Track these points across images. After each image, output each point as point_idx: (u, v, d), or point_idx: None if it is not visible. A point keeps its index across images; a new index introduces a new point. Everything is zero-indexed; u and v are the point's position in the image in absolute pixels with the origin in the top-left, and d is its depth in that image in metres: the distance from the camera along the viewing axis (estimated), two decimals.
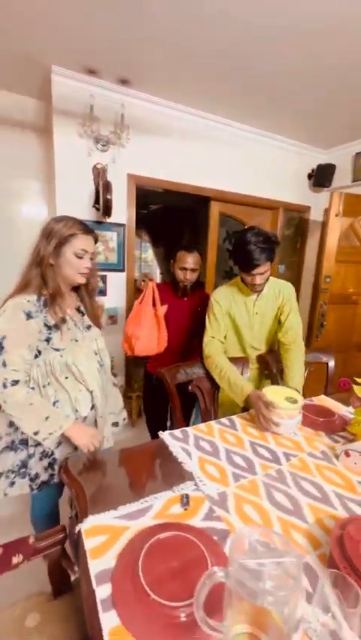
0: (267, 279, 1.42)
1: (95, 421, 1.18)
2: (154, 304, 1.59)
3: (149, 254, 7.72)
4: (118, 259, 2.40)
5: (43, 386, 1.06)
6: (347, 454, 0.99)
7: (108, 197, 1.99)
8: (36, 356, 1.04)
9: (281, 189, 3.03)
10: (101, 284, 2.38)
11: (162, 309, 1.62)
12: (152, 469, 1.00)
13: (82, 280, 1.13)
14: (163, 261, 7.36)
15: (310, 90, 2.10)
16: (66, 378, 1.09)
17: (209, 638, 0.51)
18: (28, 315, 1.01)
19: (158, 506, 0.79)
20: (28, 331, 1.01)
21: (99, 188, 2.04)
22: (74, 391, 1.11)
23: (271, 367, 1.54)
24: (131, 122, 2.17)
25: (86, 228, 1.10)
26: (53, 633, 0.74)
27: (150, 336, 1.56)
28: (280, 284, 1.53)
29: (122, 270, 2.44)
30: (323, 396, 1.52)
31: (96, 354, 1.20)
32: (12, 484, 1.09)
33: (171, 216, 6.24)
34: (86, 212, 2.21)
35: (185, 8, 1.46)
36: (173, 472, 0.93)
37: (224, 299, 1.48)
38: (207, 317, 1.49)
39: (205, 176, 2.62)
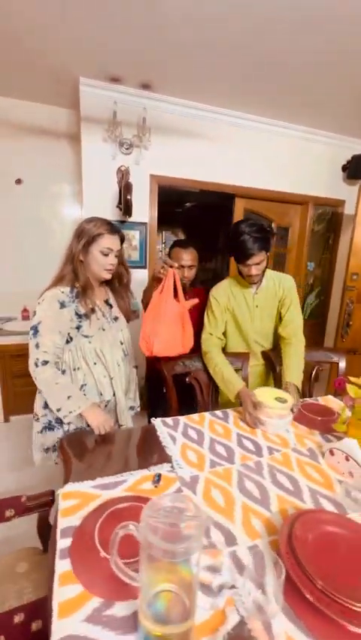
0: (263, 271, 1.43)
1: (116, 404, 1.29)
2: (176, 295, 1.35)
3: None
4: (140, 257, 2.51)
5: (74, 369, 1.19)
6: (332, 453, 0.98)
7: (128, 197, 2.10)
8: (68, 342, 1.17)
9: (311, 183, 2.92)
10: None
11: (189, 303, 1.37)
12: (137, 449, 1.08)
13: (107, 276, 1.22)
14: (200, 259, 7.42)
15: (341, 79, 2.02)
16: (95, 363, 1.22)
17: (138, 590, 0.57)
18: (62, 305, 1.14)
19: (131, 481, 0.86)
20: (60, 319, 1.14)
21: (122, 189, 2.15)
22: (100, 376, 1.23)
23: (274, 365, 1.53)
24: (153, 125, 2.26)
25: (113, 228, 1.20)
26: (38, 579, 0.85)
27: (172, 333, 1.32)
28: (281, 277, 1.51)
29: (144, 267, 2.55)
30: (329, 397, 1.47)
31: (122, 343, 1.32)
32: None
33: (207, 214, 6.25)
34: (110, 212, 2.34)
35: (205, 7, 1.50)
36: (155, 454, 1.00)
37: (222, 295, 1.49)
38: (205, 314, 1.51)
39: (229, 173, 2.63)
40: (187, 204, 5.63)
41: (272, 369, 1.57)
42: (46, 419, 1.22)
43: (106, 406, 1.27)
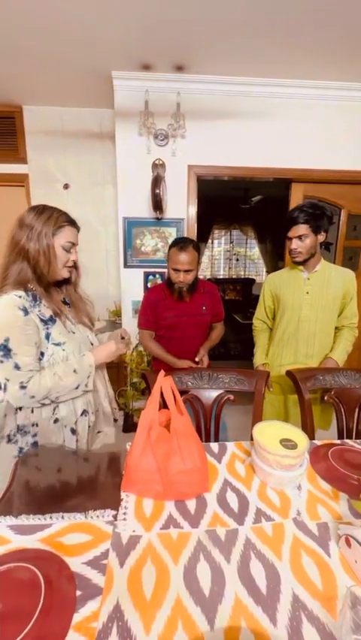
0: (309, 251, 1.42)
1: (97, 410, 1.15)
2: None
3: (255, 251, 7.34)
4: None
5: None
6: (348, 543, 0.63)
7: (157, 191, 1.95)
8: (39, 359, 0.99)
9: None
10: (159, 280, 2.37)
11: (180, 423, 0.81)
12: (96, 482, 0.90)
13: (66, 274, 1.07)
14: (271, 258, 6.85)
15: None
16: None
17: None
18: (25, 311, 0.95)
19: (56, 528, 0.69)
20: (29, 328, 0.95)
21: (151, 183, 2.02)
22: (75, 386, 1.05)
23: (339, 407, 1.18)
24: (189, 110, 2.06)
25: (71, 219, 1.06)
26: None
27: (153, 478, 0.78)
28: (341, 270, 1.51)
29: None
30: None
31: (92, 344, 1.16)
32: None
33: (276, 207, 5.72)
34: (145, 210, 2.24)
35: None
36: (107, 493, 0.81)
37: (271, 281, 1.60)
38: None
39: (282, 155, 2.25)
40: (253, 199, 5.21)
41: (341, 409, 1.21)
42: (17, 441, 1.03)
43: (90, 420, 1.11)
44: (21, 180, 2.62)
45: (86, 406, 1.09)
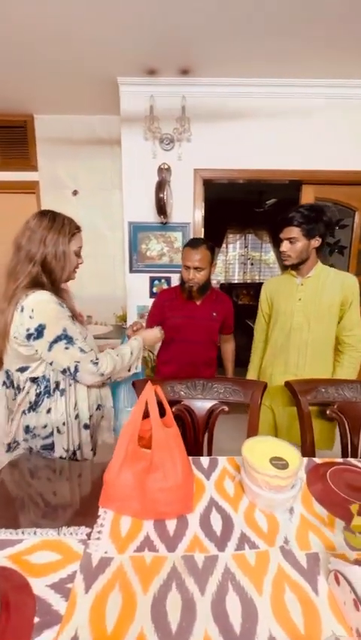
0: (299, 256, 1.34)
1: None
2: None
3: (270, 255, 7.20)
4: None
5: (70, 384, 1.04)
6: (337, 580, 0.57)
7: (161, 195, 1.93)
8: None
9: None
10: (165, 285, 2.35)
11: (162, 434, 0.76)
12: (72, 496, 0.87)
13: (74, 277, 1.11)
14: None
15: None
16: None
17: None
18: (60, 305, 0.99)
19: (27, 544, 0.66)
20: (70, 318, 1.00)
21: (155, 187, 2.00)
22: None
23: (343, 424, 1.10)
24: (194, 114, 2.04)
25: (78, 225, 1.08)
26: None
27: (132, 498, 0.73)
28: (340, 275, 1.39)
29: None
30: None
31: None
32: None
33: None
34: (151, 215, 2.22)
35: None
36: (85, 509, 0.78)
37: (268, 286, 1.54)
38: None
39: (293, 156, 2.18)
40: (268, 202, 5.11)
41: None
42: (27, 445, 1.05)
43: (101, 414, 1.15)
44: (32, 187, 2.68)
45: (97, 401, 1.13)
